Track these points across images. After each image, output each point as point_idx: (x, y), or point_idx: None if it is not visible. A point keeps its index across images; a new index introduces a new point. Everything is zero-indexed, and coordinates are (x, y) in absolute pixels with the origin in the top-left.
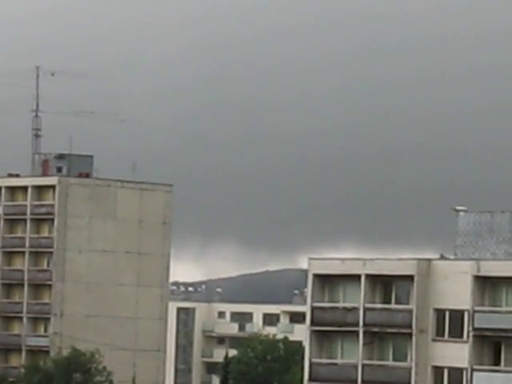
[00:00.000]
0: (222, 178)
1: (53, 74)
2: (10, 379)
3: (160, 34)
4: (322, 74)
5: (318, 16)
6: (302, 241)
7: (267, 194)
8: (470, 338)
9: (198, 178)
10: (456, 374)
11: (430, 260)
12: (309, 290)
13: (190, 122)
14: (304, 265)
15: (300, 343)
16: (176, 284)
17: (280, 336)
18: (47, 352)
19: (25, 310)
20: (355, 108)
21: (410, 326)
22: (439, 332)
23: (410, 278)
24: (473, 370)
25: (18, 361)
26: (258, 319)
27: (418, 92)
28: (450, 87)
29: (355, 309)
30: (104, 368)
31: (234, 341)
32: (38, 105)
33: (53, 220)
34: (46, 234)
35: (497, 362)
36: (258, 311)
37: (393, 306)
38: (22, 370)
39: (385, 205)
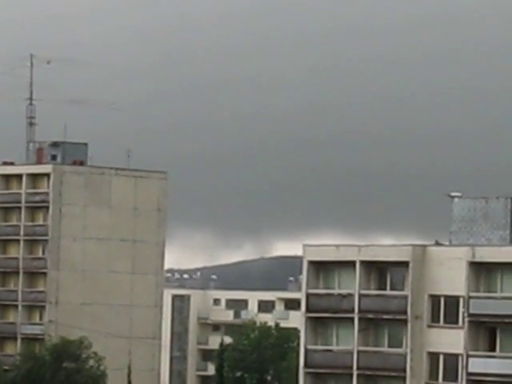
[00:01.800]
0: (201, 163)
1: (48, 63)
2: (5, 367)
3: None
4: (296, 52)
5: None
6: (282, 227)
7: (244, 178)
8: (466, 324)
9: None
10: (451, 359)
11: (425, 246)
12: (304, 277)
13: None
14: (278, 252)
15: (295, 330)
16: (171, 271)
17: (273, 323)
18: (42, 340)
19: (20, 298)
20: (342, 88)
21: (405, 313)
22: (434, 318)
23: (405, 264)
24: (468, 355)
25: (14, 349)
26: (253, 306)
27: (411, 74)
28: (442, 70)
29: (350, 295)
30: (95, 354)
31: (229, 328)
32: (32, 93)
33: (47, 208)
34: (40, 222)
35: (492, 348)
36: (253, 298)
37: (388, 292)
38: (18, 357)
39: (372, 191)
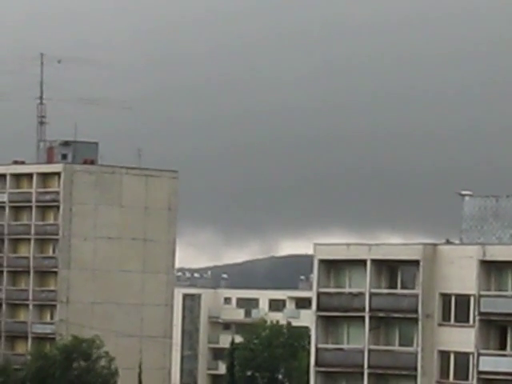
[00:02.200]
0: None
1: (59, 62)
2: (16, 366)
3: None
4: (302, 51)
5: None
6: (288, 226)
7: (249, 177)
8: (476, 323)
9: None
10: (462, 358)
11: (435, 245)
12: (315, 276)
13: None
14: (285, 251)
15: (306, 329)
16: (182, 270)
17: (284, 322)
18: (53, 339)
19: (31, 297)
20: (349, 86)
21: (416, 311)
22: (445, 317)
23: (416, 262)
24: (479, 354)
25: (24, 348)
26: (263, 305)
27: (422, 71)
28: (453, 67)
29: (361, 294)
30: (106, 353)
31: (240, 327)
32: (42, 92)
33: (58, 207)
34: (51, 221)
35: (503, 346)
36: (264, 297)
37: (399, 290)
38: (29, 357)
39: (379, 189)
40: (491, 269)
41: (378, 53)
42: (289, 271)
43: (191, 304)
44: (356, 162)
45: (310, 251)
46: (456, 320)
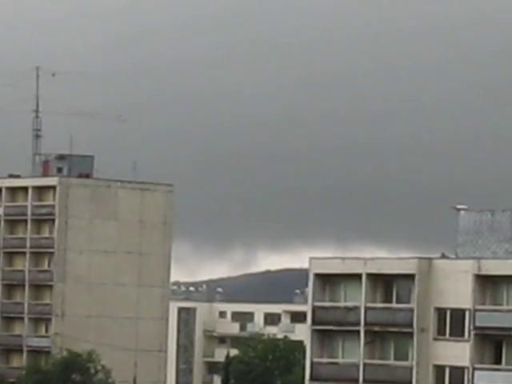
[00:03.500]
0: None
1: (53, 75)
2: (11, 380)
3: (163, 38)
4: (296, 60)
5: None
6: (274, 240)
7: (234, 190)
8: (471, 337)
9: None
10: (457, 372)
11: (430, 259)
12: (310, 290)
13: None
14: (266, 265)
15: (301, 343)
16: (177, 284)
17: (281, 336)
18: (48, 352)
19: (26, 310)
20: (339, 98)
21: (411, 325)
22: (440, 331)
23: (411, 276)
24: (474, 368)
25: (20, 361)
26: (259, 319)
27: (412, 82)
28: (445, 78)
29: (356, 308)
30: (103, 367)
31: (235, 340)
32: (38, 105)
33: (53, 220)
34: (46, 235)
35: (498, 361)
36: (259, 311)
37: (394, 305)
38: (24, 371)
39: (373, 203)
40: (486, 283)
41: (370, 62)
42: (281, 285)
43: (186, 318)
44: (348, 174)
45: (296, 265)
46: (451, 334)
